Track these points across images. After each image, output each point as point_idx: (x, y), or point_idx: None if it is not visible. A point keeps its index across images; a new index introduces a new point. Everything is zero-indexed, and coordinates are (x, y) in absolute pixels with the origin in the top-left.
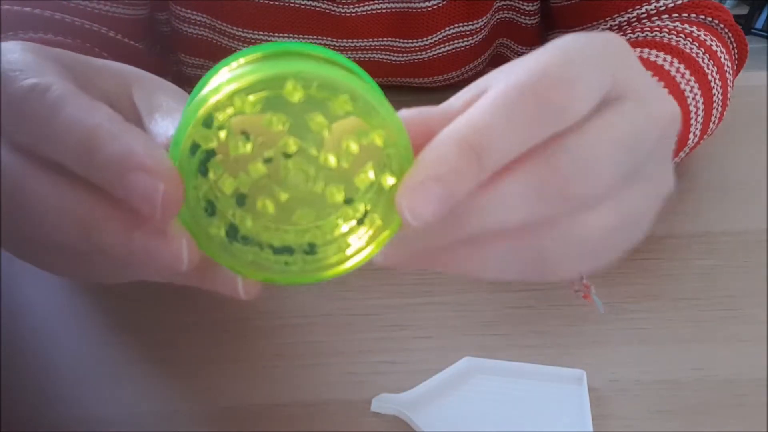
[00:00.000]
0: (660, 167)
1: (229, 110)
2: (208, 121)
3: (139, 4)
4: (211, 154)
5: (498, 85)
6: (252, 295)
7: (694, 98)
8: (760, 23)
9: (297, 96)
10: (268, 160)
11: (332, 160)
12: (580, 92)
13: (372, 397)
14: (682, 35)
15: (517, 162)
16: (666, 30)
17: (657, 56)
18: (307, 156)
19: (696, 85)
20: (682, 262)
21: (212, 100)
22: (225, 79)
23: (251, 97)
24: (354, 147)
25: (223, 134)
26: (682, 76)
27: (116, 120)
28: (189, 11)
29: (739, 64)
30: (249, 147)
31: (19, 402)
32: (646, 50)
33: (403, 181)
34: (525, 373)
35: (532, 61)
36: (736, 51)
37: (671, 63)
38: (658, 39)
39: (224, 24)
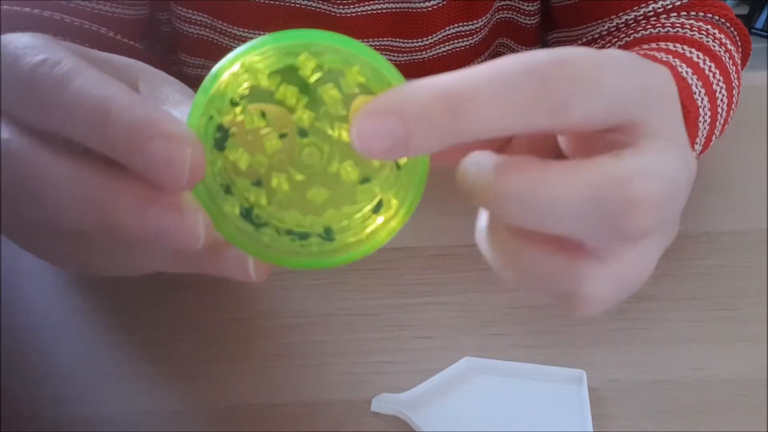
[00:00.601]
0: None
1: (244, 83)
2: (223, 95)
3: (139, 5)
4: (226, 132)
5: (509, 56)
6: (262, 278)
7: (722, 100)
8: (760, 23)
9: (310, 66)
10: (283, 136)
11: (346, 136)
12: (591, 93)
13: (372, 397)
14: (704, 33)
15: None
16: (688, 27)
17: (692, 53)
18: (321, 134)
19: (723, 86)
20: (682, 262)
21: (226, 74)
22: (238, 53)
23: (265, 69)
24: None
25: (238, 109)
26: (714, 75)
27: (131, 91)
28: (189, 11)
29: (744, 61)
30: (264, 122)
31: (19, 402)
32: (678, 45)
33: (366, 105)
34: (525, 373)
35: (561, 48)
36: (740, 48)
37: (704, 61)
38: (686, 35)
39: (224, 24)
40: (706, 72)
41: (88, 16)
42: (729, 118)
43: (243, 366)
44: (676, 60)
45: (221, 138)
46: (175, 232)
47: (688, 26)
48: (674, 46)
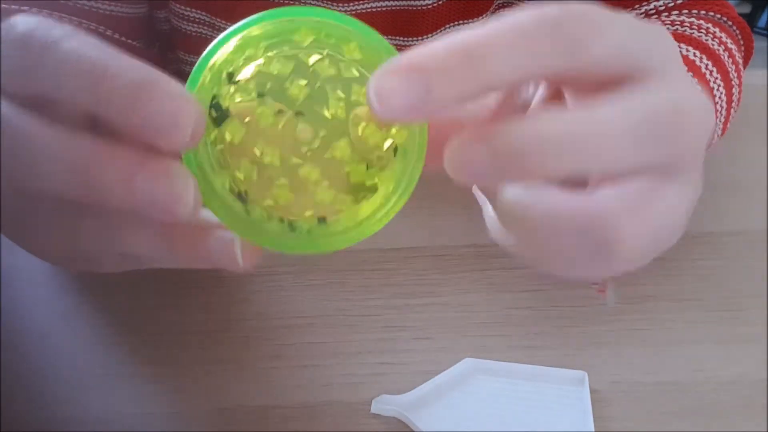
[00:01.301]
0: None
1: (241, 58)
2: (220, 69)
3: (138, 3)
4: (222, 109)
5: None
6: (249, 265)
7: (720, 98)
8: (762, 22)
9: (307, 40)
10: (279, 113)
11: (342, 114)
12: (603, 34)
13: (372, 399)
14: (703, 31)
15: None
16: (687, 25)
17: (688, 51)
18: (317, 114)
19: (722, 84)
20: (683, 263)
21: (223, 48)
22: (235, 27)
23: (262, 44)
24: (363, 101)
25: (233, 87)
26: (711, 73)
27: (129, 56)
28: (188, 9)
29: (746, 59)
30: (258, 98)
31: (19, 402)
32: (677, 43)
33: (384, 65)
34: (526, 374)
35: (566, 2)
36: (743, 46)
37: (701, 59)
38: (685, 33)
39: (223, 22)
40: (703, 70)
41: (87, 15)
42: (730, 117)
43: (242, 367)
44: None
45: (217, 113)
46: (163, 198)
47: (688, 24)
48: (678, 47)
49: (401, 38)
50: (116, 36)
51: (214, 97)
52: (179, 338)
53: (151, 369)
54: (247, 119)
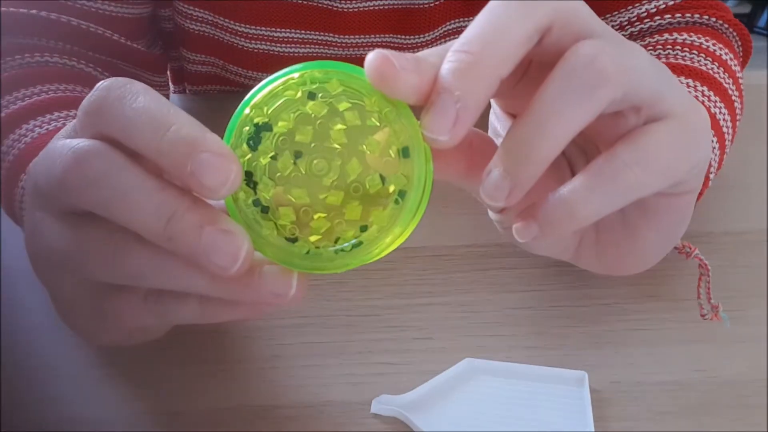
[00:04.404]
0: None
1: (279, 101)
2: (248, 122)
3: (141, 3)
4: (252, 171)
5: None
6: (301, 293)
7: (724, 120)
8: (762, 22)
9: (339, 89)
10: (296, 160)
11: (345, 140)
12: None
13: (372, 399)
14: (695, 51)
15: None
16: (678, 46)
17: (687, 86)
18: (326, 149)
19: (722, 105)
20: (683, 262)
21: (251, 104)
22: (270, 85)
23: (299, 92)
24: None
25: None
26: (709, 99)
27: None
28: (192, 8)
29: (744, 60)
30: (278, 150)
31: (19, 402)
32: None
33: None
34: (526, 374)
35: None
36: (741, 49)
37: (695, 88)
38: (675, 61)
39: (226, 20)
40: (700, 98)
41: (89, 17)
42: (736, 129)
43: (242, 367)
44: None
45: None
46: (224, 248)
47: (680, 45)
48: None
49: (402, 36)
50: (122, 40)
51: (251, 136)
52: (179, 338)
53: (150, 368)
54: (277, 175)
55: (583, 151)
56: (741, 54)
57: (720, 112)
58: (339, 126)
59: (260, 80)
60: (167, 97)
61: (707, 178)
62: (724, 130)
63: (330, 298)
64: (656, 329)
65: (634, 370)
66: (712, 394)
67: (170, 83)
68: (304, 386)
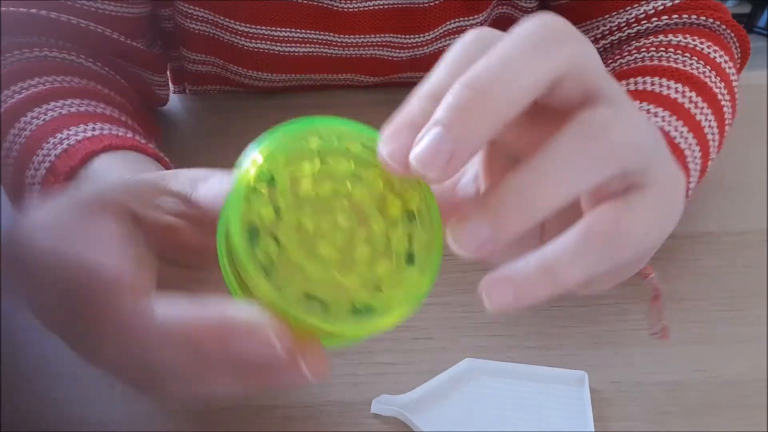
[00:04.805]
0: None
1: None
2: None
3: (141, 2)
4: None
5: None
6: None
7: (710, 126)
8: (762, 22)
9: (356, 149)
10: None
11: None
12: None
13: (372, 399)
14: (687, 54)
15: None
16: (671, 48)
17: (669, 87)
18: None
19: (709, 111)
20: (683, 262)
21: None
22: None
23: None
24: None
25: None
26: (696, 105)
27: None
28: (192, 7)
29: (742, 62)
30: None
31: (19, 402)
32: (657, 80)
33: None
34: (526, 374)
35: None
36: (738, 50)
37: (683, 94)
38: (665, 65)
39: (226, 20)
40: (687, 105)
41: (89, 16)
42: (725, 134)
43: None
44: (650, 106)
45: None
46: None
47: (673, 47)
48: (651, 82)
49: (403, 36)
50: (122, 39)
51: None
52: None
53: None
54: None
55: None
56: (739, 56)
57: (706, 119)
58: (345, 168)
59: (260, 80)
60: (167, 96)
61: (687, 190)
62: (709, 137)
63: None
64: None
65: (634, 370)
66: (712, 394)
67: (170, 83)
68: (304, 386)
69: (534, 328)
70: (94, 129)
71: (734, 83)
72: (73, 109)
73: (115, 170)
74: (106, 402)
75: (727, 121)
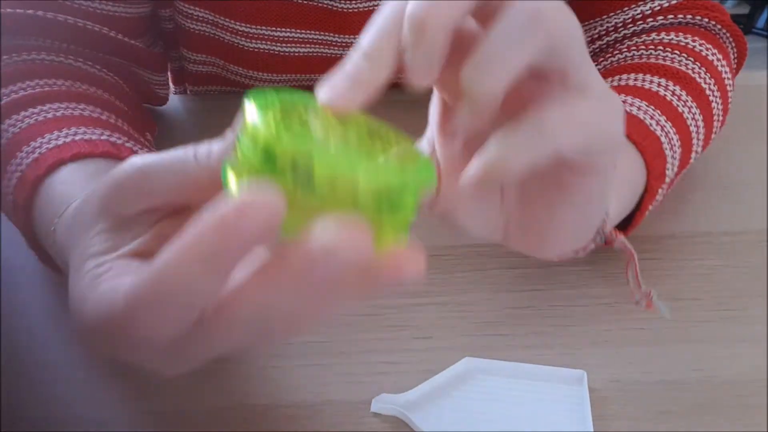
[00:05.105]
0: None
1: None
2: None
3: (141, 2)
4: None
5: None
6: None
7: (693, 119)
8: (761, 23)
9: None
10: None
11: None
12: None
13: (372, 398)
14: (677, 51)
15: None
16: (661, 46)
17: (651, 82)
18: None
19: (694, 104)
20: (682, 262)
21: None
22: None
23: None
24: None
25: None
26: (679, 98)
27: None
28: (192, 8)
29: (739, 63)
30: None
31: (19, 402)
32: (641, 76)
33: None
34: (525, 373)
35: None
36: (735, 51)
37: (666, 87)
38: (652, 62)
39: (227, 20)
40: (669, 98)
41: (88, 16)
42: (714, 129)
43: (243, 366)
44: (628, 98)
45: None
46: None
47: (663, 45)
48: (635, 78)
49: None
50: (119, 37)
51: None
52: None
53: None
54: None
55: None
56: (735, 56)
57: (689, 111)
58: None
59: (261, 80)
60: (167, 96)
61: (663, 175)
62: (692, 129)
63: None
64: (655, 329)
65: (634, 370)
66: (711, 394)
67: (171, 83)
68: (304, 386)
69: (533, 328)
70: (66, 135)
71: (727, 81)
72: (50, 115)
73: (72, 185)
74: (106, 402)
75: (716, 117)
